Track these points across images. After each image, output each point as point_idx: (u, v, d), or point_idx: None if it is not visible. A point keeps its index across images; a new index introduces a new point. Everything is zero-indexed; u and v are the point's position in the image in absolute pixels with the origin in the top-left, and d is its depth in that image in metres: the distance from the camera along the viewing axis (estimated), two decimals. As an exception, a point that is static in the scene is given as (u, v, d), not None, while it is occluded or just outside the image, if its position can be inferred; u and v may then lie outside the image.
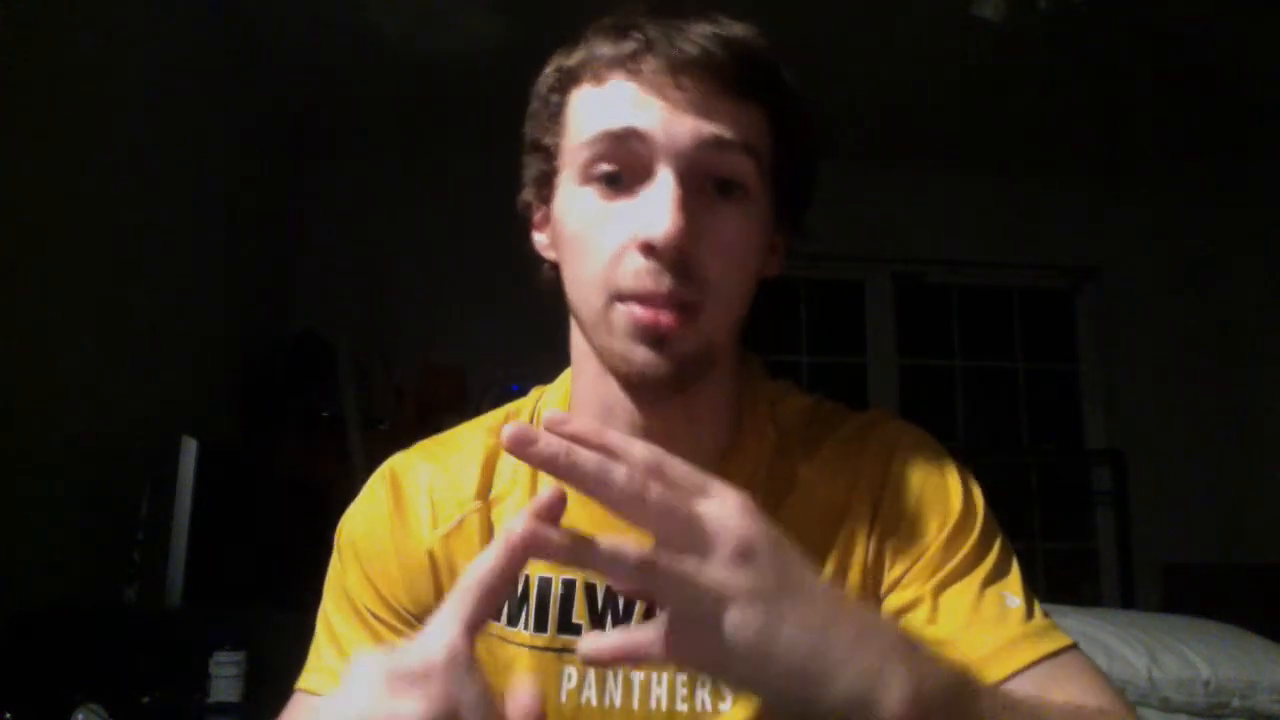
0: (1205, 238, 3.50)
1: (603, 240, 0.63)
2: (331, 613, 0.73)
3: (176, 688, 1.60)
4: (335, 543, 0.75)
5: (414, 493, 0.73)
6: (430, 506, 0.73)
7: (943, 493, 0.69)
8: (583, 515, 0.69)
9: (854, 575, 0.69)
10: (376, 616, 0.71)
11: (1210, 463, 3.40)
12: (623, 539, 0.43)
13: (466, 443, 0.76)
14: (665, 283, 0.60)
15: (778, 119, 0.66)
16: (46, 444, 1.77)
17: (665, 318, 0.61)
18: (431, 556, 0.71)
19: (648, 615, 0.69)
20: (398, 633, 0.71)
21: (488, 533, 0.72)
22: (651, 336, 0.61)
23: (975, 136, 3.31)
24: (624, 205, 0.62)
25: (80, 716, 1.36)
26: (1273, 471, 3.23)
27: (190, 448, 1.86)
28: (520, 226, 0.74)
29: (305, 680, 0.71)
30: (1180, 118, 3.09)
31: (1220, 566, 3.18)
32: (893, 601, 0.67)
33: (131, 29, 2.09)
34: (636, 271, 0.61)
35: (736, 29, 0.64)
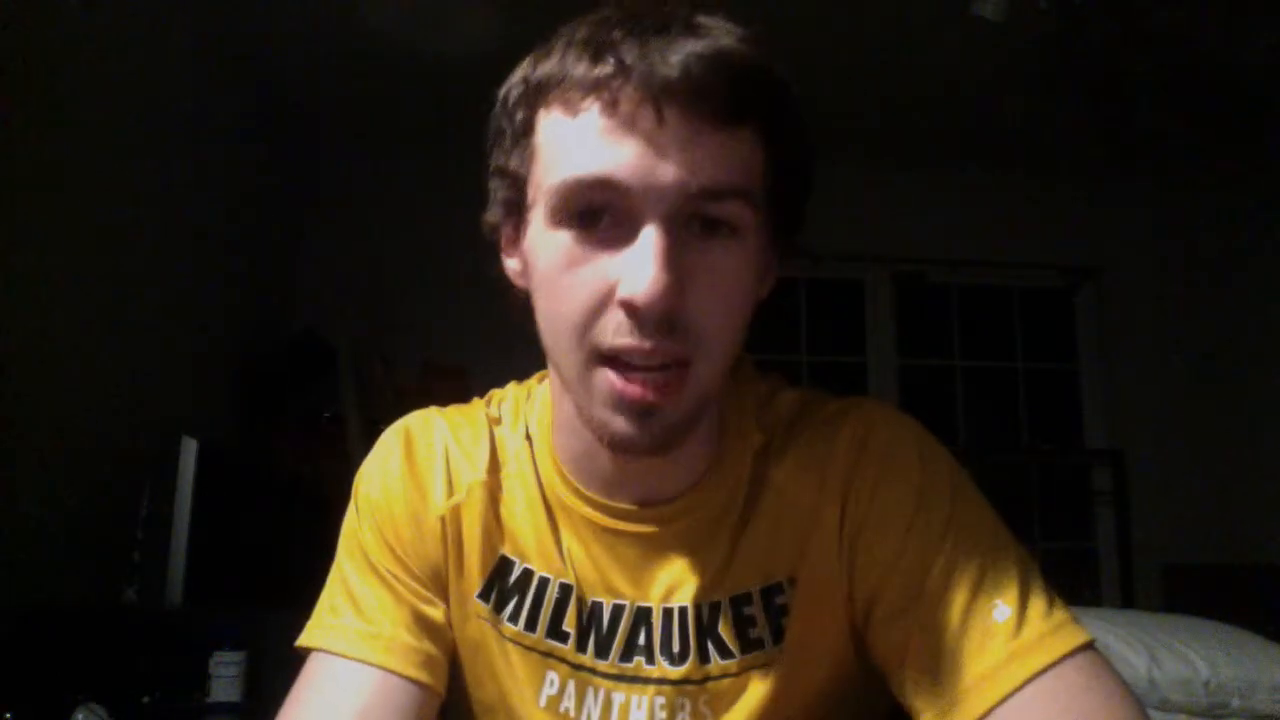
0: (1205, 237, 3.50)
1: (579, 290, 0.57)
2: (348, 570, 0.71)
3: (176, 688, 1.60)
4: (352, 495, 0.74)
5: (429, 455, 0.72)
6: (446, 473, 0.71)
7: (915, 489, 0.64)
8: (584, 557, 0.68)
9: (825, 584, 0.65)
10: (394, 575, 0.70)
11: (1210, 463, 3.40)
12: None
13: (472, 417, 0.75)
14: (649, 342, 0.55)
15: (772, 138, 0.59)
16: (47, 444, 1.77)
17: (650, 391, 0.56)
18: (443, 523, 0.70)
19: (632, 630, 0.68)
20: (414, 593, 0.70)
21: (494, 507, 0.70)
22: (634, 410, 0.56)
23: (975, 136, 3.31)
24: (602, 254, 0.56)
25: (80, 716, 1.36)
26: (1273, 471, 3.23)
27: (190, 448, 1.86)
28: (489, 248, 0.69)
29: (320, 639, 0.68)
30: (1180, 117, 3.09)
31: (1220, 567, 3.18)
32: (879, 628, 0.63)
33: (131, 29, 2.09)
34: (617, 328, 0.55)
35: (725, 40, 0.56)
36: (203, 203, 2.50)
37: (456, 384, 2.91)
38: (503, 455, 0.72)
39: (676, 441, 0.60)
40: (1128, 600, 3.29)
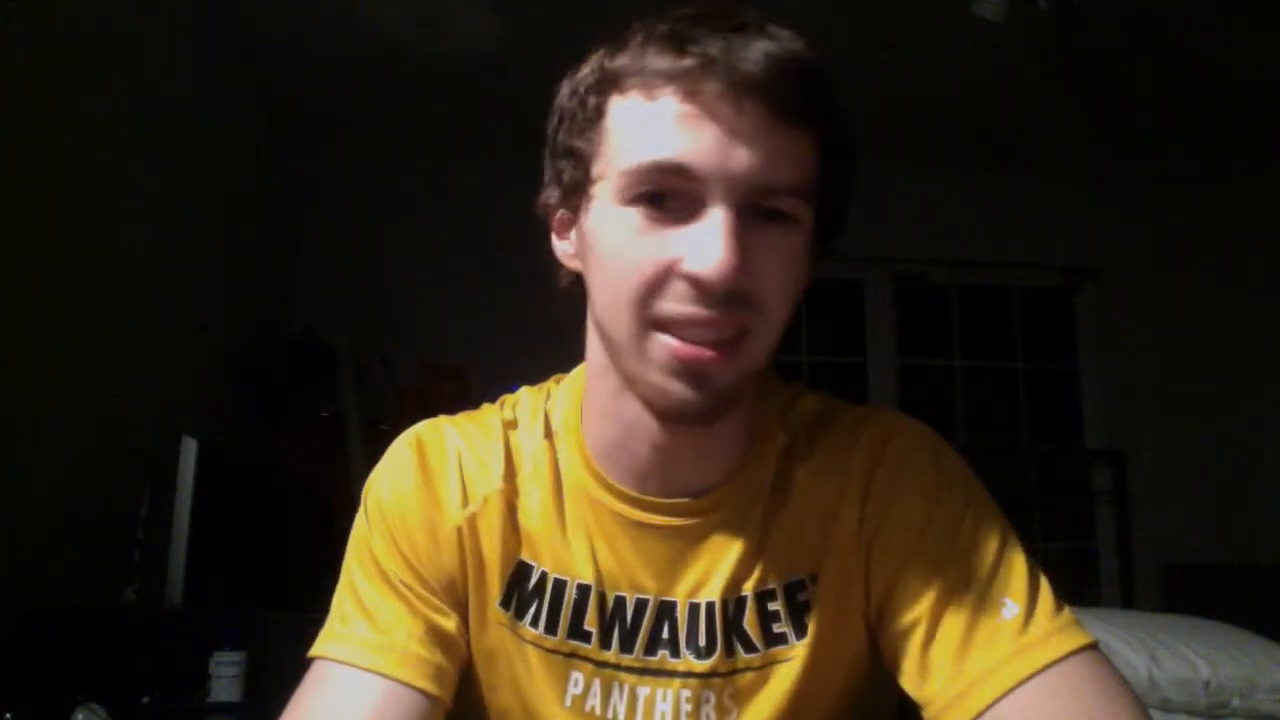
0: (1205, 237, 3.50)
1: (642, 263, 0.59)
2: (359, 579, 0.70)
3: (176, 688, 1.60)
4: (362, 503, 0.73)
5: (442, 465, 0.72)
6: (460, 483, 0.71)
7: (931, 492, 0.67)
8: (608, 553, 0.69)
9: (845, 582, 0.67)
10: (407, 586, 0.69)
11: (1210, 463, 3.40)
12: None
13: (486, 425, 0.74)
14: (712, 311, 0.57)
15: (827, 143, 0.63)
16: (47, 444, 1.77)
17: (706, 354, 0.58)
18: (459, 533, 0.70)
19: (656, 624, 0.69)
20: (428, 603, 0.69)
21: (510, 517, 0.70)
22: (691, 372, 0.59)
23: (975, 136, 3.32)
24: (666, 229, 0.59)
25: (80, 716, 1.36)
26: (1273, 471, 3.23)
27: (190, 448, 1.86)
28: (536, 228, 0.70)
29: (330, 648, 0.68)
30: (1180, 117, 3.09)
31: (1220, 566, 3.18)
32: (891, 624, 0.65)
33: (132, 29, 2.09)
34: (678, 297, 0.58)
35: (795, 45, 0.59)
36: (203, 203, 2.50)
37: (456, 384, 2.91)
38: (518, 460, 0.72)
39: (724, 410, 0.62)
40: (1128, 600, 3.30)
